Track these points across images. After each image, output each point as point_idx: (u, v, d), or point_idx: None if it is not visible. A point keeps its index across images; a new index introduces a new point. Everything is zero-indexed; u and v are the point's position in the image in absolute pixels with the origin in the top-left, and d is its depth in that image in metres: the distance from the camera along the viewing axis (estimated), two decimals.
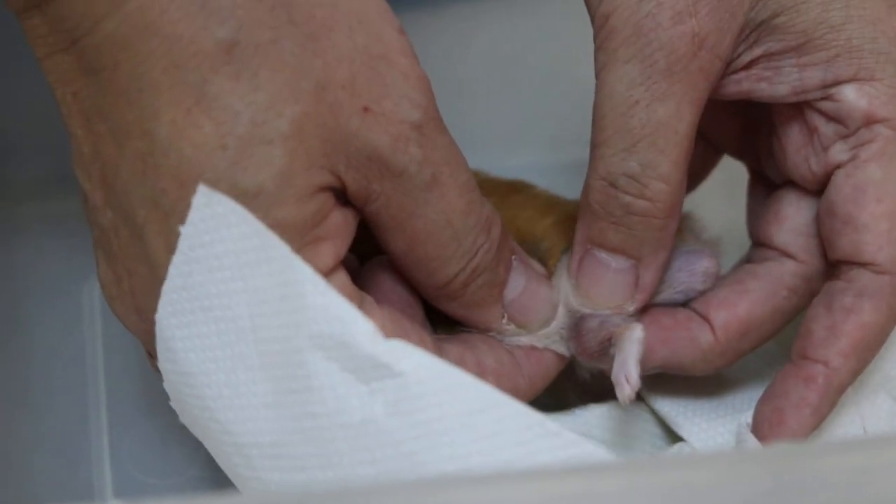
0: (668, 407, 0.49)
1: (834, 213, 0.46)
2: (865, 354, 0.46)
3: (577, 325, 0.47)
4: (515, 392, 0.45)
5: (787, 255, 0.49)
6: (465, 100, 0.61)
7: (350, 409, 0.39)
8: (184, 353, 0.41)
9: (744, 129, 0.51)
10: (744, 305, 0.48)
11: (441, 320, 0.46)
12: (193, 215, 0.40)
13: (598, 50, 0.44)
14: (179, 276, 0.40)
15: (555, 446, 0.39)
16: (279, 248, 0.39)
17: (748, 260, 0.50)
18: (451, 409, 0.39)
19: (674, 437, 0.49)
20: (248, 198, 0.40)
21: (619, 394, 0.45)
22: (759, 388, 0.48)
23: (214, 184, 0.39)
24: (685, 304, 0.49)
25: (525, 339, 0.46)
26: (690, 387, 0.49)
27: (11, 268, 0.56)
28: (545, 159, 0.59)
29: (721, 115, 0.50)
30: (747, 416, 0.48)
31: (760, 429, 0.47)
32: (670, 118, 0.44)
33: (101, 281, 0.43)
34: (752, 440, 0.46)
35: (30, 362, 0.54)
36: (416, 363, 0.39)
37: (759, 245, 0.50)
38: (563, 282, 0.47)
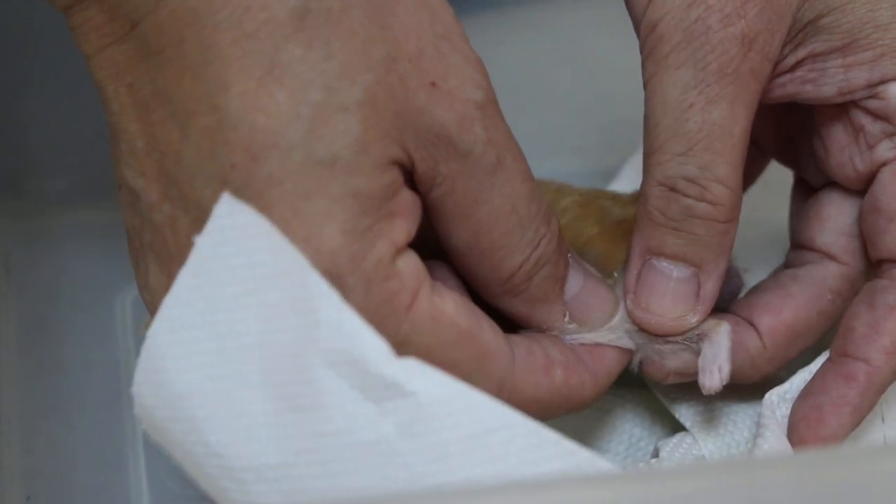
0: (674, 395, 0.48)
1: (878, 211, 0.46)
2: None
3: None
4: (582, 387, 0.44)
5: (829, 256, 0.48)
6: None
7: (360, 429, 0.38)
8: (177, 374, 0.39)
9: (788, 132, 0.50)
10: (789, 310, 0.47)
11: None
12: (212, 225, 0.39)
13: (647, 58, 0.44)
14: (185, 290, 0.39)
15: (571, 465, 0.38)
16: (297, 262, 0.38)
17: (788, 264, 0.49)
18: (466, 430, 0.38)
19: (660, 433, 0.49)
20: (324, 167, 0.39)
21: (705, 382, 0.44)
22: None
23: (288, 153, 0.39)
24: (725, 309, 0.47)
25: (588, 336, 0.45)
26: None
27: (43, 280, 0.56)
28: (569, 167, 0.59)
29: (765, 117, 0.49)
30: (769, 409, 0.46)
31: (798, 427, 0.46)
32: (725, 120, 0.43)
33: (152, 289, 0.42)
34: (771, 437, 0.45)
35: (64, 374, 0.54)
36: (430, 383, 0.38)
37: (800, 248, 0.49)
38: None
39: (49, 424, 0.52)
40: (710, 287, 0.45)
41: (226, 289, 0.39)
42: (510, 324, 0.44)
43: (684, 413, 0.48)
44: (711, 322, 0.45)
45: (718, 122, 0.43)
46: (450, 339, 0.41)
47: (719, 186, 0.44)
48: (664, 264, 0.45)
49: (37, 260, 0.56)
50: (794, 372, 0.47)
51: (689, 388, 0.47)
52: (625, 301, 0.46)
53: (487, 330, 0.42)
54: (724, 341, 0.45)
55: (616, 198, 0.48)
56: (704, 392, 0.45)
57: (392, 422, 0.38)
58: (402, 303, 0.40)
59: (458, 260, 0.43)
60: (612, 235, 0.47)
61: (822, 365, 0.46)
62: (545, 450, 0.38)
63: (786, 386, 0.47)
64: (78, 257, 0.56)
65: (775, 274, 0.49)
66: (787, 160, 0.50)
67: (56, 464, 0.51)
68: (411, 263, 0.41)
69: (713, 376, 0.45)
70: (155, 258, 0.42)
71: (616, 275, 0.46)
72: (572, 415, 0.47)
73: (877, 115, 0.45)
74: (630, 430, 0.49)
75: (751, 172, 0.52)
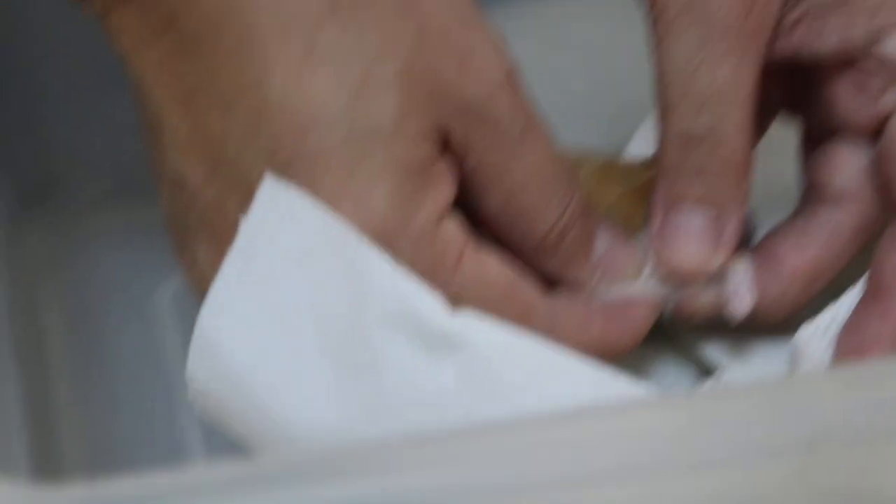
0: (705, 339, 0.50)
1: (890, 158, 0.47)
2: None
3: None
4: (620, 337, 0.46)
5: (843, 199, 0.49)
6: None
7: (421, 382, 0.40)
8: (232, 352, 0.41)
9: (794, 86, 0.51)
10: (810, 250, 0.49)
11: None
12: (258, 203, 0.41)
13: (653, 24, 0.46)
14: (235, 269, 0.41)
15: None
16: (345, 233, 0.40)
17: (803, 208, 0.50)
18: (524, 377, 0.40)
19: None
20: (366, 139, 0.41)
21: (733, 306, 0.47)
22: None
23: (332, 127, 0.41)
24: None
25: (620, 291, 0.47)
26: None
27: (82, 282, 0.57)
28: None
29: (771, 71, 0.51)
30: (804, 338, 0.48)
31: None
32: (734, 75, 0.45)
33: (202, 270, 0.43)
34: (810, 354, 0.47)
35: (115, 373, 0.55)
36: (485, 333, 0.40)
37: (812, 192, 0.50)
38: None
39: (106, 422, 0.53)
40: (732, 228, 0.47)
41: (275, 264, 0.41)
42: (546, 285, 0.46)
43: (716, 351, 0.50)
44: (731, 261, 0.47)
45: (728, 78, 0.45)
46: (496, 293, 0.43)
47: (734, 135, 0.46)
48: (686, 209, 0.47)
49: (70, 263, 0.57)
50: (818, 309, 0.49)
51: (718, 331, 0.49)
52: (651, 250, 0.47)
53: (530, 285, 0.44)
54: (745, 271, 0.47)
55: (635, 164, 0.50)
56: (735, 316, 0.47)
57: (452, 372, 0.40)
58: (451, 261, 0.42)
59: (493, 225, 0.45)
60: (633, 198, 0.49)
61: (857, 305, 0.48)
62: (606, 389, 0.40)
63: (816, 322, 0.48)
64: (113, 258, 0.57)
65: (792, 217, 0.50)
66: (794, 111, 0.52)
67: (121, 456, 0.52)
68: (455, 225, 0.43)
69: (738, 303, 0.47)
70: (204, 239, 0.43)
71: (640, 235, 0.48)
72: None
73: (878, 66, 0.47)
74: (660, 379, 0.51)
75: (758, 127, 0.52)
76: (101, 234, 0.58)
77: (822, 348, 0.48)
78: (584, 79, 0.63)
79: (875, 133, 0.48)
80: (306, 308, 0.41)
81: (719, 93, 0.45)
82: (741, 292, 0.47)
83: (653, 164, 0.49)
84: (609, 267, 0.47)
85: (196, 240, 0.44)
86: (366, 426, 0.40)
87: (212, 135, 0.42)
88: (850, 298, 0.48)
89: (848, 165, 0.49)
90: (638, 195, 0.49)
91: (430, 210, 0.42)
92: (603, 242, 0.47)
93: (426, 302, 0.40)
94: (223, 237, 0.42)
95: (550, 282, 0.46)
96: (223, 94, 0.42)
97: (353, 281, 0.40)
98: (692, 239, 0.47)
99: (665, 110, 0.46)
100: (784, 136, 0.52)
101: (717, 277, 0.48)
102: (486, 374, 0.39)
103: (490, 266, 0.43)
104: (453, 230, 0.43)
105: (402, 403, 0.40)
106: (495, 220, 0.45)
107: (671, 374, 0.51)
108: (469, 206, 0.45)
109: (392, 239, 0.41)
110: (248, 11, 0.41)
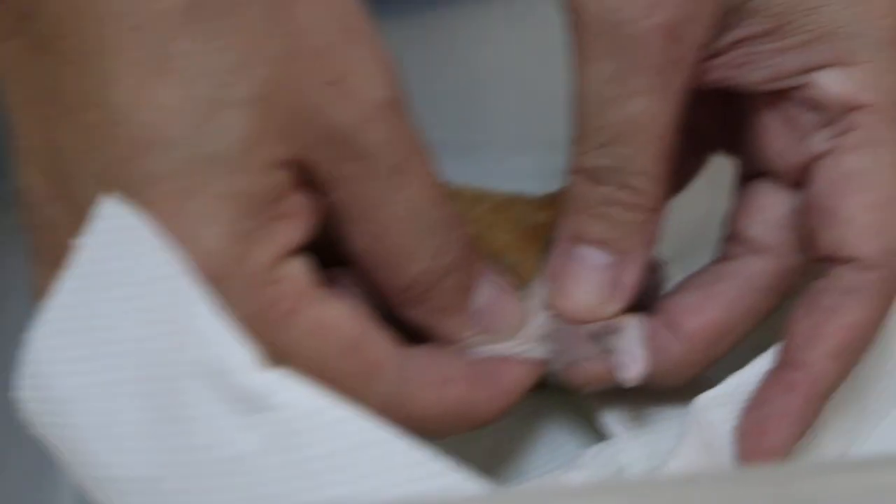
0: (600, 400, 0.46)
1: (814, 208, 0.43)
2: (851, 357, 0.43)
3: (559, 330, 0.44)
4: (486, 403, 0.42)
5: (759, 249, 0.45)
6: (461, 103, 0.60)
7: (225, 443, 0.36)
8: (57, 379, 0.38)
9: (727, 120, 0.47)
10: (713, 310, 0.45)
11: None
12: (95, 226, 0.38)
13: (573, 44, 0.42)
14: (68, 293, 0.38)
15: (449, 486, 0.36)
16: (172, 267, 0.37)
17: (717, 258, 0.46)
18: (333, 445, 0.36)
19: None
20: (207, 165, 0.37)
21: (623, 374, 0.43)
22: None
23: (171, 149, 0.37)
24: (646, 308, 0.45)
25: (497, 349, 0.43)
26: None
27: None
28: (542, 163, 0.56)
29: (701, 107, 0.47)
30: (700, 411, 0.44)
31: (742, 443, 0.44)
32: (646, 113, 0.41)
33: (38, 291, 0.41)
34: (687, 449, 0.43)
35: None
36: (296, 395, 0.36)
37: (730, 239, 0.46)
38: (545, 289, 0.45)
39: None
40: (631, 275, 0.43)
41: (107, 293, 0.38)
42: (420, 336, 0.43)
43: (609, 419, 0.46)
44: (622, 318, 0.43)
45: (639, 115, 0.41)
46: (334, 350, 0.39)
47: (640, 177, 0.42)
48: (585, 250, 0.43)
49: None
50: (725, 371, 0.45)
51: (615, 392, 0.45)
52: (537, 303, 0.44)
53: (377, 341, 0.40)
54: (634, 331, 0.43)
55: (534, 202, 0.47)
56: (626, 385, 0.43)
57: (257, 436, 0.36)
58: (284, 310, 0.38)
59: (359, 267, 0.41)
60: (524, 243, 0.45)
61: (765, 375, 0.44)
62: (422, 468, 0.36)
63: (717, 390, 0.44)
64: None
65: (700, 271, 0.46)
66: (728, 149, 0.48)
67: None
68: (297, 269, 0.39)
69: (628, 367, 0.43)
70: (40, 257, 0.41)
71: (531, 285, 0.44)
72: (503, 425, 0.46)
73: (809, 105, 0.43)
74: (553, 435, 0.47)
75: (689, 167, 0.49)
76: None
77: (721, 419, 0.44)
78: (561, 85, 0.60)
79: (801, 177, 0.44)
80: (131, 343, 0.38)
81: (630, 128, 0.41)
82: (631, 355, 0.43)
83: (550, 204, 0.46)
84: (487, 321, 0.43)
85: (35, 256, 0.41)
86: (175, 481, 0.37)
87: (54, 146, 0.39)
88: (759, 366, 0.44)
89: (769, 211, 0.45)
90: (533, 238, 0.45)
91: (269, 251, 0.38)
92: (484, 293, 0.43)
93: (237, 353, 0.36)
94: (55, 259, 0.39)
95: (421, 333, 0.42)
96: (67, 104, 0.38)
97: (174, 320, 0.37)
98: (586, 282, 0.43)
99: (574, 140, 0.42)
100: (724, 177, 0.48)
101: (612, 336, 0.44)
102: (292, 441, 0.36)
103: (331, 316, 0.39)
104: (293, 274, 0.39)
105: (207, 464, 0.37)
106: (361, 260, 0.41)
107: (564, 441, 0.47)
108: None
109: (222, 279, 0.38)
110: (98, 15, 0.37)
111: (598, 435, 0.47)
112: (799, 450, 0.44)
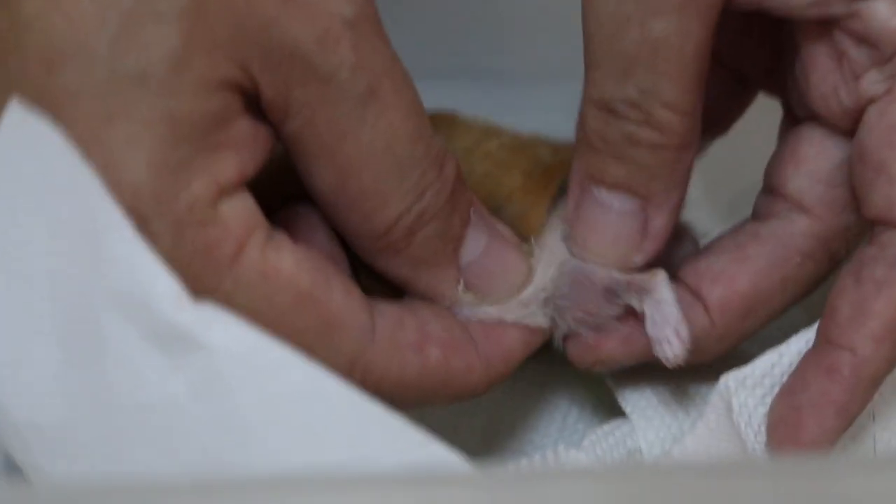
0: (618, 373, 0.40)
1: (865, 159, 0.37)
2: None
3: (572, 282, 0.38)
4: (467, 372, 0.37)
5: (800, 207, 0.39)
6: (486, 27, 0.53)
7: (148, 387, 0.31)
8: None
9: (769, 56, 0.41)
10: (745, 278, 0.39)
11: (380, 291, 0.38)
12: (2, 132, 0.32)
13: None
14: None
15: (399, 449, 0.30)
16: (90, 183, 0.32)
17: (754, 215, 0.40)
18: (270, 395, 0.31)
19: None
20: (132, 84, 0.32)
21: (666, 353, 0.37)
22: None
23: (90, 65, 0.32)
24: (671, 275, 0.39)
25: (489, 311, 0.38)
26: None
27: None
28: (573, 96, 0.50)
29: (746, 40, 0.41)
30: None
31: (776, 431, 0.38)
32: (671, 35, 0.35)
33: None
34: (701, 432, 0.37)
35: None
36: (229, 335, 0.31)
37: (769, 193, 0.40)
38: (556, 240, 0.39)
39: None
40: (660, 222, 0.37)
41: (14, 205, 0.33)
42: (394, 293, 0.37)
43: (621, 395, 0.40)
44: (650, 274, 0.37)
45: (663, 37, 0.35)
46: (285, 301, 0.34)
47: (666, 111, 0.36)
48: (605, 194, 0.38)
49: None
50: (756, 348, 0.39)
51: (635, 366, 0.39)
52: (542, 261, 0.38)
53: (339, 294, 0.35)
54: (667, 293, 0.37)
55: (556, 146, 0.41)
56: (669, 365, 0.38)
57: (183, 380, 0.31)
58: (224, 254, 0.33)
59: (326, 209, 0.36)
60: (535, 188, 0.39)
61: (805, 354, 0.38)
62: (370, 426, 0.31)
63: (746, 369, 0.38)
64: None
65: (731, 230, 0.40)
66: (772, 89, 0.42)
67: None
68: (240, 207, 0.34)
69: (672, 343, 0.37)
70: None
71: (534, 240, 0.39)
72: (501, 388, 0.40)
73: (859, 39, 0.37)
74: (566, 410, 0.41)
75: (732, 106, 0.43)
76: None
77: (748, 403, 0.38)
78: None
79: (852, 124, 0.38)
80: (42, 259, 0.32)
81: (651, 55, 0.35)
82: (668, 332, 0.37)
83: (566, 148, 0.40)
84: (478, 278, 0.37)
85: None
86: (87, 430, 0.32)
87: None
88: (796, 344, 0.39)
89: (813, 163, 0.39)
90: (543, 183, 0.39)
91: (205, 185, 0.33)
92: (476, 244, 0.37)
93: (160, 284, 0.31)
94: None
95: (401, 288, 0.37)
96: None
97: (93, 244, 0.32)
98: (609, 231, 0.38)
99: (587, 67, 0.37)
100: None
101: (633, 294, 0.38)
102: (222, 386, 0.31)
103: (282, 263, 0.34)
104: (236, 213, 0.33)
105: (127, 411, 0.32)
106: (327, 201, 0.35)
107: (569, 419, 0.41)
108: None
109: (148, 217, 0.32)
110: None
111: (607, 413, 0.41)
112: (842, 443, 0.38)
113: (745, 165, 0.43)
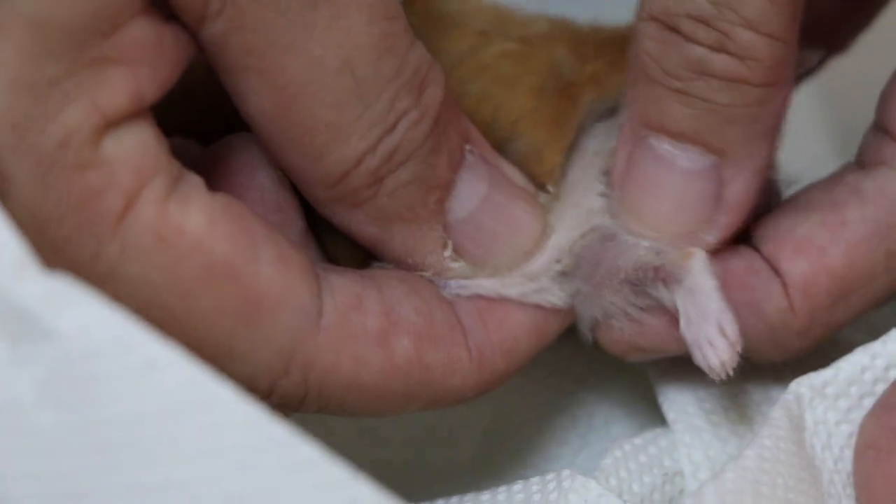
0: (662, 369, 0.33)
1: None
2: None
3: (596, 256, 0.31)
4: (451, 370, 0.30)
5: None
6: None
7: None
8: None
9: None
10: (840, 250, 0.31)
11: (345, 254, 0.30)
12: None
13: None
14: None
15: (305, 485, 0.22)
16: None
17: (858, 162, 0.33)
18: (138, 405, 0.23)
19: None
20: None
21: (708, 361, 0.30)
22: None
23: None
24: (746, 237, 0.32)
25: (488, 286, 0.30)
26: None
27: None
28: None
29: None
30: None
31: (864, 461, 0.31)
32: None
33: None
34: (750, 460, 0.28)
35: None
36: (87, 321, 0.24)
37: (880, 131, 0.33)
38: (585, 190, 0.31)
39: None
40: (739, 187, 0.31)
41: None
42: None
43: (672, 398, 0.32)
44: (676, 255, 0.30)
45: None
46: (191, 274, 0.27)
47: (749, 32, 0.29)
48: (666, 146, 0.31)
49: None
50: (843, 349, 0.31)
51: (672, 361, 0.32)
52: (565, 218, 0.31)
53: (269, 264, 0.28)
54: (705, 280, 0.30)
55: (583, 44, 0.32)
56: (714, 377, 0.30)
57: (29, 379, 0.23)
58: (108, 208, 0.27)
59: (265, 144, 0.29)
60: (553, 113, 0.31)
61: None
62: (265, 450, 0.23)
63: (826, 373, 0.31)
64: None
65: (829, 181, 0.33)
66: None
67: None
68: (132, 144, 0.27)
69: (716, 346, 0.30)
70: None
71: (552, 188, 0.31)
72: (513, 387, 0.33)
73: None
74: (590, 411, 0.34)
75: (852, 17, 0.37)
76: None
77: (834, 420, 0.30)
78: None
79: None
80: None
81: None
82: (709, 332, 0.30)
83: (607, 47, 0.32)
84: (472, 241, 0.30)
85: None
86: None
87: None
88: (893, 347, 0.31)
89: None
90: (565, 105, 0.31)
91: (83, 113, 0.26)
92: (472, 195, 0.30)
93: (4, 256, 0.23)
94: None
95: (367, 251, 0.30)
96: None
97: None
98: (670, 196, 0.31)
99: None
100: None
101: (663, 287, 0.30)
102: (77, 389, 0.23)
103: (189, 222, 0.27)
104: (128, 153, 0.27)
105: None
106: (264, 132, 0.28)
107: (592, 424, 0.34)
108: None
109: (2, 152, 0.26)
110: None
111: (645, 419, 0.34)
112: None
113: (862, 92, 0.35)
